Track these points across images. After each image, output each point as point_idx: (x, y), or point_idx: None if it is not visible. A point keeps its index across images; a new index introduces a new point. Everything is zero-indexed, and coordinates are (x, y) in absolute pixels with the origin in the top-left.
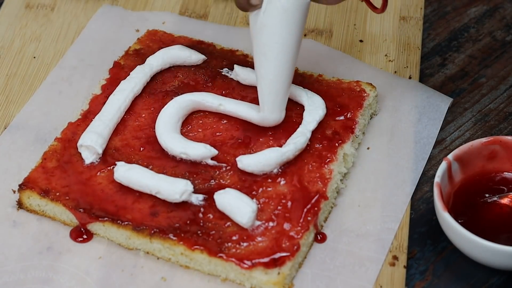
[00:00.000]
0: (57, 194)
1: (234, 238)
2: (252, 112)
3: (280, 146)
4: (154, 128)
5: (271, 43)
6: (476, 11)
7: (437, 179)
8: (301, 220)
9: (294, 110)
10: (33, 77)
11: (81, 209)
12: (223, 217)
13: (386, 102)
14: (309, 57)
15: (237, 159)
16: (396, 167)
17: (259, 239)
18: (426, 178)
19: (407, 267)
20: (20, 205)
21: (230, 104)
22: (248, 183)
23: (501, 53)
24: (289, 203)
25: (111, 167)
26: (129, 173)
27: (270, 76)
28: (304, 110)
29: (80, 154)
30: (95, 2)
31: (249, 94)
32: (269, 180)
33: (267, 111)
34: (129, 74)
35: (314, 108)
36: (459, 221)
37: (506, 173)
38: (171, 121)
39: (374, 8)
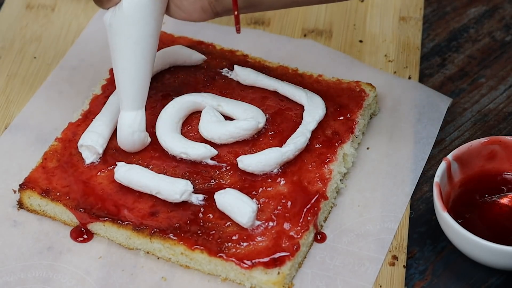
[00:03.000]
0: (58, 194)
1: (234, 238)
2: (249, 113)
3: (280, 146)
4: (154, 128)
5: (122, 46)
6: (476, 11)
7: (436, 179)
8: (301, 220)
9: (294, 110)
10: (33, 77)
11: (81, 209)
12: (223, 217)
13: (386, 102)
14: (309, 57)
15: (238, 159)
16: (396, 167)
17: (259, 239)
18: (425, 178)
19: (406, 267)
20: (20, 205)
21: (229, 104)
22: (248, 183)
23: (501, 54)
24: (289, 203)
25: (112, 167)
26: (129, 174)
27: (124, 74)
28: (304, 110)
29: (81, 154)
30: None
31: (249, 94)
32: (269, 180)
33: (124, 107)
34: None
35: (314, 108)
36: (459, 221)
37: (506, 173)
38: (171, 121)
39: (236, 25)
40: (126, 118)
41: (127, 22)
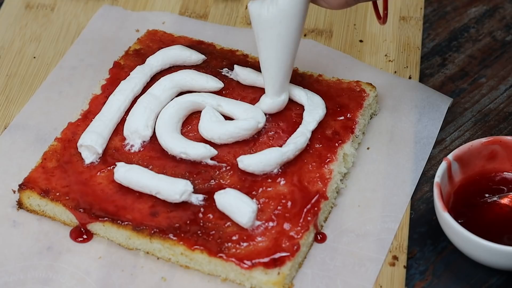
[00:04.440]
0: (57, 194)
1: (234, 238)
2: (248, 113)
3: (280, 146)
4: (154, 128)
5: (273, 37)
6: (476, 11)
7: (437, 179)
8: (301, 220)
9: (294, 110)
10: (33, 77)
11: (81, 209)
12: (223, 217)
13: (386, 102)
14: (309, 57)
15: (238, 159)
16: (396, 167)
17: (259, 239)
18: (426, 178)
19: (407, 267)
20: (20, 205)
21: (229, 104)
22: (248, 183)
23: (501, 53)
24: (289, 203)
25: (111, 167)
26: (129, 174)
27: (268, 62)
28: (304, 110)
29: (80, 154)
30: (95, 2)
31: (249, 94)
32: (269, 180)
33: (269, 95)
34: (129, 74)
35: (314, 108)
36: (459, 221)
37: (506, 173)
38: (171, 121)
39: (379, 17)
40: (276, 102)
41: (283, 16)
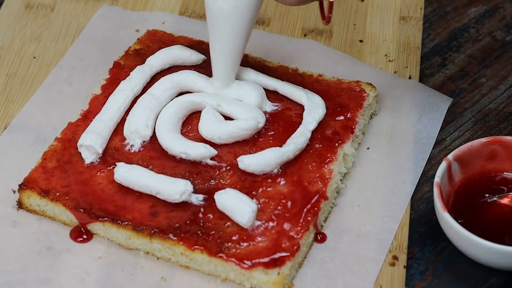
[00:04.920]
0: (57, 194)
1: (234, 238)
2: (248, 113)
3: (280, 146)
4: (154, 128)
5: (227, 28)
6: (476, 11)
7: (437, 179)
8: (301, 220)
9: (294, 110)
10: (33, 77)
11: (81, 209)
12: (223, 217)
13: (386, 102)
14: (309, 57)
15: (238, 159)
16: (396, 167)
17: (259, 239)
18: (426, 178)
19: (407, 267)
20: (20, 205)
21: (229, 104)
22: (248, 183)
23: (501, 53)
24: (289, 203)
25: (111, 167)
26: (129, 174)
27: (219, 49)
28: (304, 110)
29: (80, 154)
30: (95, 2)
31: None
32: (269, 180)
33: (217, 79)
34: (129, 74)
35: (314, 108)
36: (459, 221)
37: (506, 173)
38: (171, 121)
39: (323, 18)
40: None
41: (239, 8)
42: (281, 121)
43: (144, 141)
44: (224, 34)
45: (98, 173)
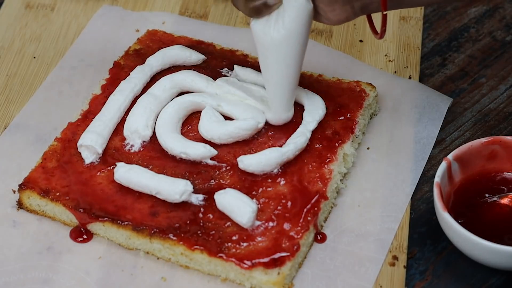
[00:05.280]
0: (57, 194)
1: (234, 238)
2: (248, 113)
3: (280, 146)
4: (154, 128)
5: (280, 58)
6: (476, 11)
7: (437, 179)
8: (301, 220)
9: (294, 110)
10: (33, 77)
11: (81, 209)
12: (223, 217)
13: (386, 102)
14: (309, 57)
15: (238, 159)
16: (396, 167)
17: (259, 239)
18: (426, 178)
19: (407, 267)
20: (20, 205)
21: (229, 104)
22: (248, 183)
23: (501, 53)
24: (289, 203)
25: (111, 167)
26: (129, 174)
27: (275, 80)
28: (304, 110)
29: (80, 154)
30: (95, 2)
31: None
32: (269, 180)
33: (273, 112)
34: (129, 74)
35: (314, 108)
36: (459, 221)
37: (506, 173)
38: (171, 121)
39: (375, 33)
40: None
41: (290, 35)
42: None
43: (144, 141)
44: (278, 64)
45: (98, 173)
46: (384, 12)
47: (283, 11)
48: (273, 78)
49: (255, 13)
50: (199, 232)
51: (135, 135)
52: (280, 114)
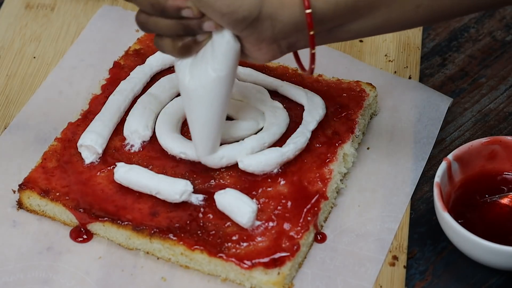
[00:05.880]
0: (57, 194)
1: (234, 238)
2: (248, 113)
3: (280, 146)
4: (154, 128)
5: (206, 100)
6: None
7: (437, 179)
8: (301, 220)
9: (294, 110)
10: (33, 77)
11: (81, 209)
12: (223, 217)
13: (386, 102)
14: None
15: (238, 159)
16: (396, 167)
17: (259, 239)
18: (426, 178)
19: (407, 267)
20: (20, 205)
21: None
22: (248, 183)
23: (501, 53)
24: (289, 203)
25: (111, 167)
26: (129, 174)
27: (202, 122)
28: (304, 110)
29: (80, 154)
30: (95, 2)
31: None
32: (269, 180)
33: (197, 151)
34: (129, 74)
35: (314, 108)
36: (459, 221)
37: (506, 173)
38: (171, 121)
39: (303, 69)
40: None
41: (214, 84)
42: None
43: (144, 141)
44: (205, 106)
45: (98, 173)
46: (313, 51)
47: (211, 51)
48: (198, 120)
49: (185, 51)
50: (199, 232)
51: (135, 135)
52: (202, 155)
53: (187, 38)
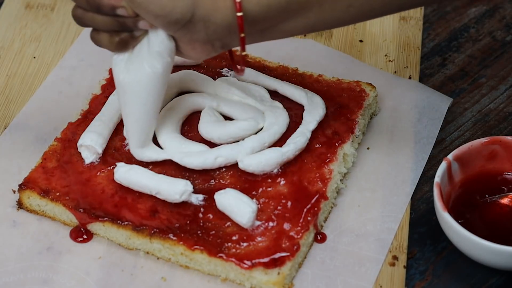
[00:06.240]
0: (57, 194)
1: (234, 238)
2: (248, 113)
3: (280, 146)
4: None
5: (141, 95)
6: (476, 11)
7: (437, 179)
8: (301, 220)
9: (294, 110)
10: (33, 77)
11: (81, 209)
12: (223, 217)
13: (386, 102)
14: (309, 57)
15: (238, 159)
16: (396, 167)
17: (259, 239)
18: (426, 178)
19: (407, 267)
20: (20, 205)
21: (229, 105)
22: (248, 183)
23: (501, 53)
24: (289, 203)
25: (111, 167)
26: (129, 174)
27: (135, 117)
28: (304, 110)
29: (80, 154)
30: None
31: None
32: (269, 180)
33: (130, 146)
34: None
35: (314, 108)
36: (459, 221)
37: (506, 173)
38: (171, 121)
39: (236, 70)
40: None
41: (148, 80)
42: None
43: None
44: (139, 101)
45: (98, 173)
46: (243, 53)
47: (148, 47)
48: (132, 114)
49: (122, 46)
50: (199, 232)
51: None
52: (134, 149)
53: (124, 33)
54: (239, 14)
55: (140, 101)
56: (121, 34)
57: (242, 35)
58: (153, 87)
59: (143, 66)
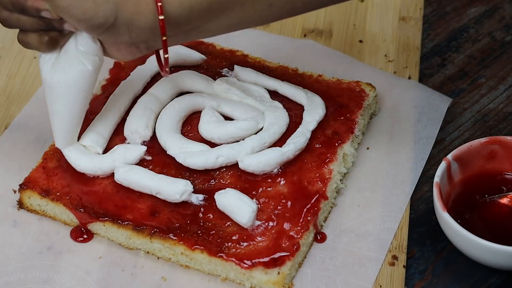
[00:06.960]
0: (58, 194)
1: (234, 238)
2: (248, 113)
3: (280, 146)
4: (155, 128)
5: (61, 100)
6: (476, 11)
7: (436, 179)
8: (301, 220)
9: (294, 110)
10: (33, 77)
11: (81, 209)
12: (223, 217)
13: (385, 102)
14: (309, 57)
15: (238, 159)
16: (396, 167)
17: (259, 239)
18: (425, 178)
19: (406, 267)
20: (20, 205)
21: (229, 105)
22: (248, 183)
23: (500, 54)
24: (289, 203)
25: None
26: (129, 174)
27: (62, 116)
28: (304, 110)
29: None
30: None
31: None
32: (269, 180)
33: (57, 143)
34: (129, 74)
35: (314, 108)
36: (459, 221)
37: (506, 173)
38: (171, 121)
39: (162, 70)
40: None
41: (72, 84)
42: None
43: (144, 141)
44: (67, 99)
45: None
46: (166, 56)
47: (75, 46)
48: (59, 113)
49: (52, 45)
50: (199, 232)
51: (135, 135)
52: (60, 146)
53: (53, 32)
54: (161, 17)
55: (67, 100)
56: (50, 32)
57: (164, 38)
58: (81, 86)
59: (71, 65)
